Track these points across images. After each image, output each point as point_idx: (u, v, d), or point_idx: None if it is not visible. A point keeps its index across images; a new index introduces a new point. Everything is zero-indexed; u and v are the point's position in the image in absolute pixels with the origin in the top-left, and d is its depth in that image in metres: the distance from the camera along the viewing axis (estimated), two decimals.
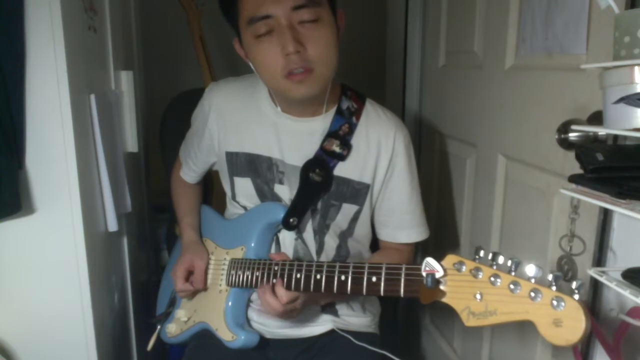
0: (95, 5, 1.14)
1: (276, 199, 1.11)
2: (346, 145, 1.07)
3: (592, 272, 0.72)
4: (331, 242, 1.13)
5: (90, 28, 1.10)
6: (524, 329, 1.11)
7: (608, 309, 0.82)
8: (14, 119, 0.86)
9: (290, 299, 0.97)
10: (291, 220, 1.07)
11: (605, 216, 0.82)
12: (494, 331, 1.26)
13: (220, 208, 1.27)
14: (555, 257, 0.92)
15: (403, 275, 0.82)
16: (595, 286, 0.84)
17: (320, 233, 1.12)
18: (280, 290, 0.96)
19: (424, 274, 0.75)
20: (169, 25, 2.18)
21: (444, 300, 0.74)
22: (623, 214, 0.66)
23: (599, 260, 0.83)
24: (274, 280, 0.98)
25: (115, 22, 1.34)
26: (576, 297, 0.63)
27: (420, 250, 1.49)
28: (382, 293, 0.84)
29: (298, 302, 0.99)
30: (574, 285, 0.63)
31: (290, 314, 1.02)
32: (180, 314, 1.19)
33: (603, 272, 0.72)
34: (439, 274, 0.74)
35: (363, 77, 2.11)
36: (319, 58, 0.95)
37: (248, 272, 1.06)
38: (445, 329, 1.58)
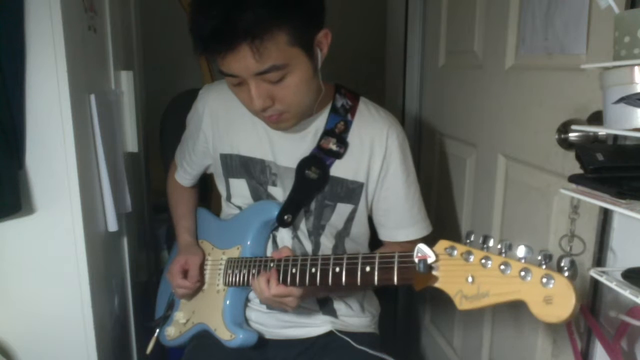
0: (95, 5, 1.14)
1: (271, 199, 1.11)
2: (343, 143, 1.07)
3: (592, 272, 0.72)
4: (327, 242, 1.13)
5: (90, 28, 1.10)
6: (524, 328, 1.11)
7: (608, 309, 0.83)
8: (14, 119, 0.86)
9: (279, 294, 0.96)
10: (285, 217, 1.07)
11: (605, 216, 0.82)
12: (494, 331, 1.26)
13: (219, 209, 1.27)
14: (555, 257, 0.92)
15: (396, 263, 0.82)
16: (595, 286, 0.84)
17: (315, 234, 1.12)
18: (273, 282, 0.96)
19: (416, 260, 0.75)
20: (169, 25, 2.17)
21: (437, 285, 0.75)
22: (623, 214, 0.66)
23: (599, 260, 0.83)
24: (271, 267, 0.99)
25: (115, 22, 1.34)
26: (565, 274, 0.63)
27: None
28: (376, 282, 0.85)
29: (288, 300, 0.98)
30: (562, 263, 0.64)
31: (278, 306, 1.02)
32: (179, 316, 1.19)
33: (603, 272, 0.72)
34: (431, 259, 0.74)
35: (363, 77, 2.12)
36: (289, 106, 0.96)
37: (244, 271, 1.06)
38: (445, 329, 1.58)
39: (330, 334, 1.14)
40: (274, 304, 1.02)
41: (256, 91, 0.92)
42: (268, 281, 0.97)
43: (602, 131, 0.80)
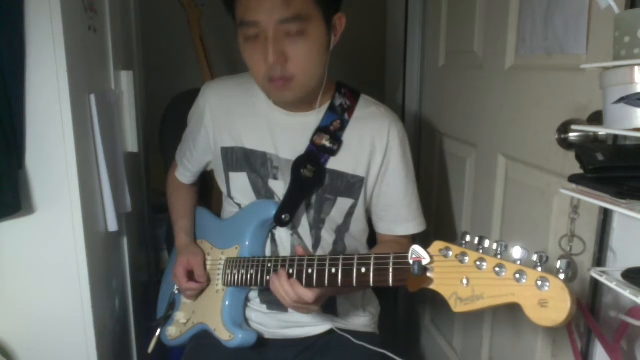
0: (95, 5, 1.14)
1: (270, 194, 1.12)
2: (337, 141, 1.07)
3: (592, 272, 0.72)
4: (327, 237, 1.13)
5: (90, 28, 1.10)
6: (523, 328, 1.11)
7: (608, 309, 0.82)
8: (14, 119, 0.86)
9: (314, 297, 0.94)
10: (283, 217, 1.07)
11: (605, 216, 0.82)
12: (494, 331, 1.26)
13: (219, 209, 1.26)
14: (555, 257, 0.92)
15: (391, 265, 0.82)
16: (595, 286, 0.84)
17: (316, 228, 1.12)
18: (296, 284, 0.94)
19: (410, 261, 0.75)
20: (169, 25, 2.17)
21: (432, 287, 0.74)
22: (623, 214, 0.66)
23: (599, 260, 0.83)
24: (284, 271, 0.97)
25: (115, 22, 1.34)
26: (561, 276, 0.62)
27: None
28: (371, 284, 0.85)
29: (312, 308, 0.98)
30: (558, 264, 0.63)
31: (300, 310, 1.01)
32: (180, 316, 1.19)
33: (603, 272, 0.72)
34: (426, 260, 0.74)
35: (363, 77, 2.11)
36: (299, 70, 0.98)
37: (243, 271, 1.06)
38: (445, 329, 1.58)
39: (330, 332, 1.14)
40: (295, 309, 1.00)
41: (273, 42, 0.94)
42: (293, 285, 0.94)
43: (602, 131, 0.80)
